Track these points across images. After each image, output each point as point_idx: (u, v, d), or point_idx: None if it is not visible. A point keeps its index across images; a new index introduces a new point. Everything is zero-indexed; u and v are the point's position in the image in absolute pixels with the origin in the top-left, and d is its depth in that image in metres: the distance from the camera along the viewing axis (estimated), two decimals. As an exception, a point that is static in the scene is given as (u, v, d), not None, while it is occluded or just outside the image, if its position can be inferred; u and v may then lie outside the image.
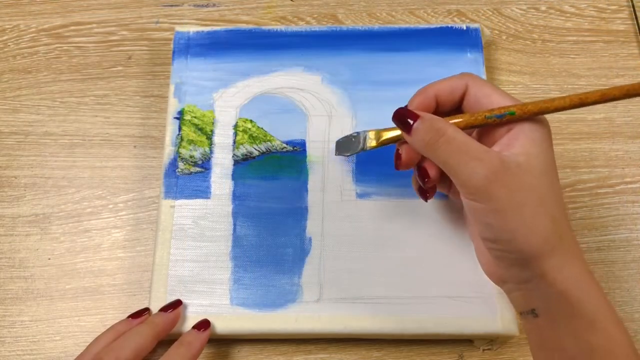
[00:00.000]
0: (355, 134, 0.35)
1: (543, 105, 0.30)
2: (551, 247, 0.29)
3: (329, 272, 0.39)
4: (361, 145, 0.35)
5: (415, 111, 0.32)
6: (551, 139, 0.31)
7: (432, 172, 0.33)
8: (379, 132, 0.34)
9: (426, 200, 0.36)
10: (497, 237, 0.30)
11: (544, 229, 0.29)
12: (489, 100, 0.31)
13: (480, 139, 0.33)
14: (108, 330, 0.36)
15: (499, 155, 0.29)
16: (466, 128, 0.32)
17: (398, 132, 0.33)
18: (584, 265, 0.30)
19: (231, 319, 0.38)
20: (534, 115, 0.30)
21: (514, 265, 0.30)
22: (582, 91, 0.47)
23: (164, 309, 0.38)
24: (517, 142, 0.30)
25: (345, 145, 0.36)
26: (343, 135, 0.37)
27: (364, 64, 0.45)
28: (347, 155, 0.36)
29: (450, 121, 0.31)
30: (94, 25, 0.50)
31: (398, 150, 0.33)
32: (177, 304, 0.38)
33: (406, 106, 0.33)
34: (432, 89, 0.33)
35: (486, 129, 0.32)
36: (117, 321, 0.37)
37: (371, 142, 0.34)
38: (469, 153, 0.29)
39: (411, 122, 0.31)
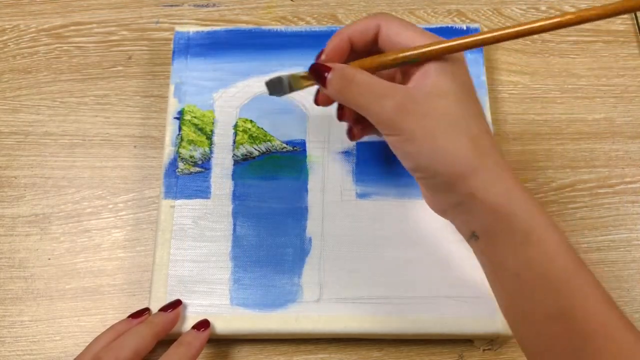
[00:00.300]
0: (279, 77, 0.36)
1: (435, 51, 0.31)
2: (472, 166, 0.30)
3: (329, 272, 0.39)
4: (287, 86, 0.36)
5: (327, 63, 0.33)
6: (464, 67, 0.32)
7: (347, 111, 0.36)
8: (301, 76, 0.35)
9: (351, 140, 0.38)
10: (417, 165, 0.32)
11: (459, 149, 0.30)
12: (399, 38, 0.33)
13: (403, 78, 0.34)
14: (108, 330, 0.36)
15: (406, 88, 0.31)
16: (376, 71, 0.33)
17: None
18: (514, 179, 0.30)
19: (231, 319, 0.38)
20: (433, 57, 0.31)
21: (442, 190, 0.32)
22: (582, 92, 0.47)
23: (164, 308, 0.38)
24: (428, 73, 0.31)
25: (272, 86, 0.36)
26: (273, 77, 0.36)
27: (364, 64, 0.45)
28: (279, 96, 0.36)
29: (361, 66, 0.33)
30: (94, 25, 0.50)
31: (317, 91, 0.36)
32: (176, 303, 0.38)
33: (321, 53, 0.35)
34: (345, 32, 0.34)
35: (405, 67, 0.33)
36: (117, 321, 0.37)
37: (297, 84, 0.35)
38: (376, 92, 0.31)
39: (325, 74, 0.33)
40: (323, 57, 0.34)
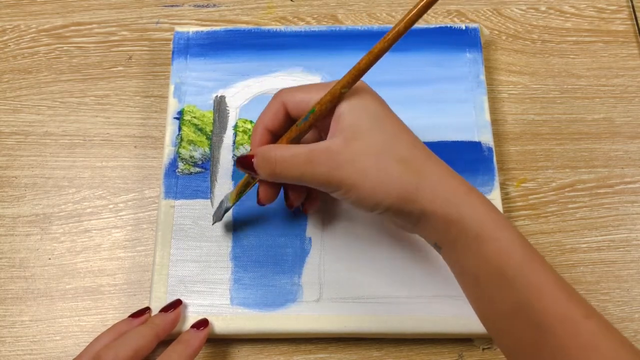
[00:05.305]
0: (221, 201, 0.39)
1: (332, 91, 0.32)
2: (413, 184, 0.31)
3: (329, 272, 0.39)
4: (225, 205, 0.39)
5: (248, 153, 0.35)
6: (370, 94, 0.33)
7: (293, 195, 0.37)
8: (233, 191, 0.38)
9: (305, 213, 0.40)
10: (368, 206, 0.32)
11: (394, 176, 0.31)
12: (306, 105, 0.34)
13: (327, 136, 0.34)
14: (109, 329, 0.36)
15: (324, 147, 0.32)
16: (294, 141, 0.34)
17: (245, 177, 0.37)
18: (455, 182, 0.31)
19: (231, 319, 0.38)
20: (329, 104, 0.33)
21: (400, 217, 0.33)
22: (582, 92, 0.48)
23: (165, 309, 0.38)
24: (339, 119, 0.32)
25: (217, 213, 0.39)
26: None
27: (363, 64, 0.45)
28: (221, 220, 0.40)
29: (287, 138, 0.35)
30: (95, 25, 0.50)
31: (258, 190, 0.37)
32: (177, 303, 0.38)
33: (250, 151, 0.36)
34: (259, 125, 0.36)
35: (322, 126, 0.35)
36: (117, 321, 0.37)
37: (232, 201, 0.38)
38: (301, 163, 0.32)
39: (252, 161, 0.34)
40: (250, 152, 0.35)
